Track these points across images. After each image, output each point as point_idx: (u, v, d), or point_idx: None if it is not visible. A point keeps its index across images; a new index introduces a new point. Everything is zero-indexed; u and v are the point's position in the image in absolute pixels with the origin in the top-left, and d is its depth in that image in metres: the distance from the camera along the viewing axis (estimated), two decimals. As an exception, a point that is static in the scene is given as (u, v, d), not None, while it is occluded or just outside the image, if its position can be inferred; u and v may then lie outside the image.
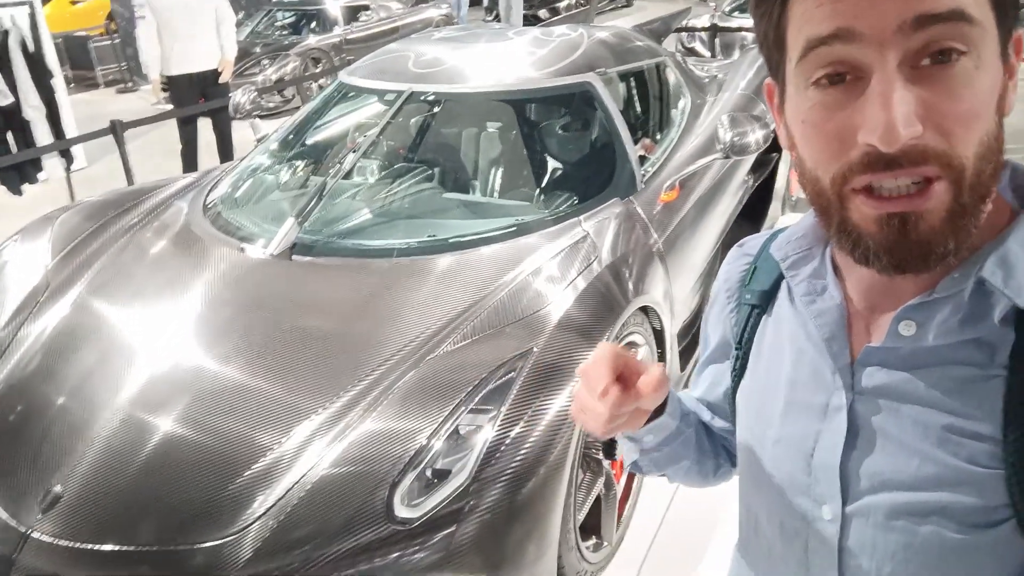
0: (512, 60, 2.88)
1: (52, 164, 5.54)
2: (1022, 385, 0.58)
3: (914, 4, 0.53)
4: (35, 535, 1.70)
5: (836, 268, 0.71)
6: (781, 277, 0.76)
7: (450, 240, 2.36)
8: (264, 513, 1.68)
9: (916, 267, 0.58)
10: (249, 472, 1.74)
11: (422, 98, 2.86)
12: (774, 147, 3.42)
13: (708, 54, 7.61)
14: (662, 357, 2.50)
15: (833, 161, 0.58)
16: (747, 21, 7.80)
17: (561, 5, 13.52)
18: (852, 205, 0.59)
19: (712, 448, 0.93)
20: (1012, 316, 0.59)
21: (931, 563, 0.63)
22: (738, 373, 0.82)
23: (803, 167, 0.63)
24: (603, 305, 2.11)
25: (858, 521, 0.66)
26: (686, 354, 2.79)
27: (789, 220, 3.54)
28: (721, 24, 7.74)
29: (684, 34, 8.13)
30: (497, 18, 11.08)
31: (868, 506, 0.65)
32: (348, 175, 2.73)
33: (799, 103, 0.60)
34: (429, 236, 2.40)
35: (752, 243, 0.85)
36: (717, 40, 7.63)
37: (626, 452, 0.93)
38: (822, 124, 0.58)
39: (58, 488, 1.77)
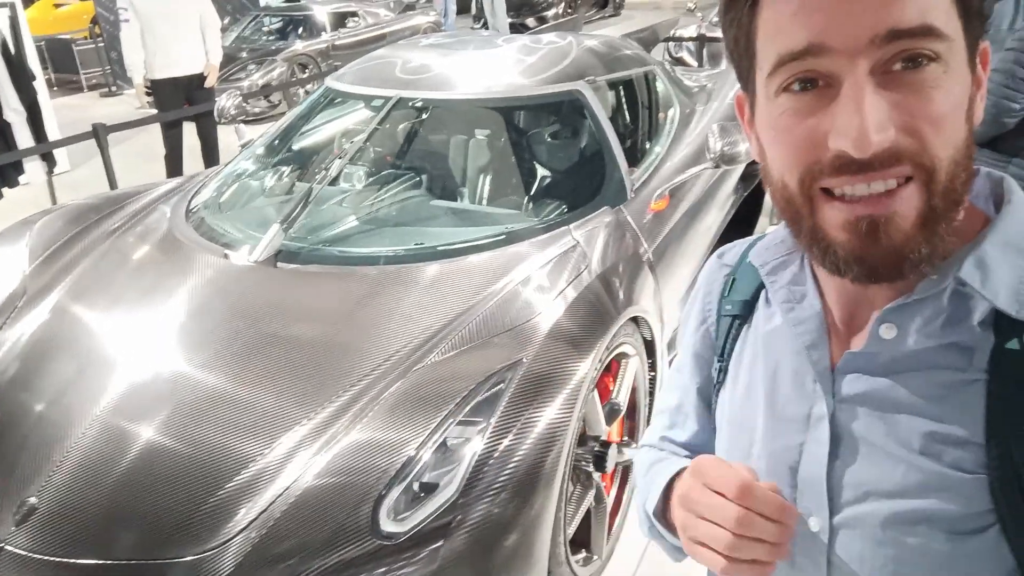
0: (501, 67, 2.86)
1: (34, 168, 5.46)
2: (1003, 389, 0.58)
3: (885, 20, 0.53)
4: (9, 548, 1.65)
5: (815, 275, 0.70)
6: (761, 286, 0.75)
7: (438, 248, 2.33)
8: (246, 526, 1.64)
9: (888, 276, 0.58)
10: (231, 484, 1.69)
11: (410, 104, 2.83)
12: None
13: (696, 63, 7.63)
14: (653, 367, 2.48)
15: (801, 164, 0.58)
16: (734, 31, 7.80)
17: (549, 14, 13.54)
18: (821, 210, 0.58)
19: None
20: (991, 319, 0.59)
21: (920, 572, 0.62)
22: (719, 385, 0.80)
23: (771, 177, 0.63)
24: (594, 315, 2.09)
25: (846, 532, 0.65)
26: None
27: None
28: (708, 34, 7.76)
29: (671, 43, 8.15)
30: (485, 26, 11.08)
31: (855, 516, 0.65)
32: (334, 181, 2.70)
33: (770, 111, 0.60)
34: (416, 244, 2.37)
35: (731, 253, 0.84)
36: (705, 50, 7.65)
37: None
38: (791, 129, 0.58)
39: (33, 500, 1.72)
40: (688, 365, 0.88)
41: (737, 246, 0.84)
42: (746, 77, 0.64)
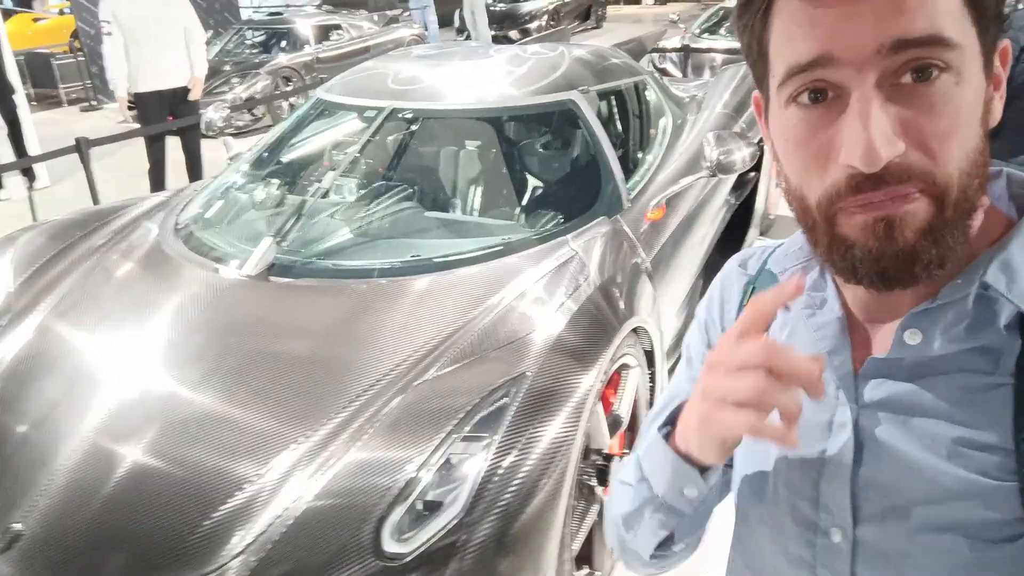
0: (494, 78, 2.84)
1: (14, 183, 5.37)
2: None
3: (892, 29, 0.52)
4: None
5: (836, 281, 0.69)
6: None
7: (434, 261, 2.29)
8: (243, 551, 1.58)
9: (901, 278, 0.57)
10: (226, 507, 1.64)
11: (402, 116, 2.80)
12: (754, 166, 3.43)
13: (680, 74, 7.69)
14: (653, 378, 2.45)
15: (818, 181, 0.58)
16: (716, 43, 7.94)
17: (532, 26, 13.61)
18: (839, 224, 0.58)
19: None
20: (1016, 322, 0.58)
21: None
22: None
23: (789, 183, 0.62)
24: (596, 327, 2.05)
25: (871, 543, 0.63)
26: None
27: (762, 243, 3.54)
28: (692, 45, 7.83)
29: (655, 55, 8.21)
30: (468, 38, 11.10)
31: (880, 525, 0.63)
32: (327, 194, 2.66)
33: (782, 120, 0.60)
34: (412, 256, 2.33)
35: (752, 261, 0.82)
36: (689, 61, 7.72)
37: (661, 521, 0.74)
38: (804, 143, 0.58)
39: (18, 526, 1.65)
40: (696, 366, 0.86)
41: (757, 254, 0.83)
42: (761, 81, 0.64)
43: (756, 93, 0.67)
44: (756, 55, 0.62)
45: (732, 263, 0.85)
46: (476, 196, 2.82)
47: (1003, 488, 0.57)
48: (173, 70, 5.16)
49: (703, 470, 0.69)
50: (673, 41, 8.16)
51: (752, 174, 3.74)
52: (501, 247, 2.33)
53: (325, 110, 3.04)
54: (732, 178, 3.35)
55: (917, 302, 0.61)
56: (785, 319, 0.73)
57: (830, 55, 0.54)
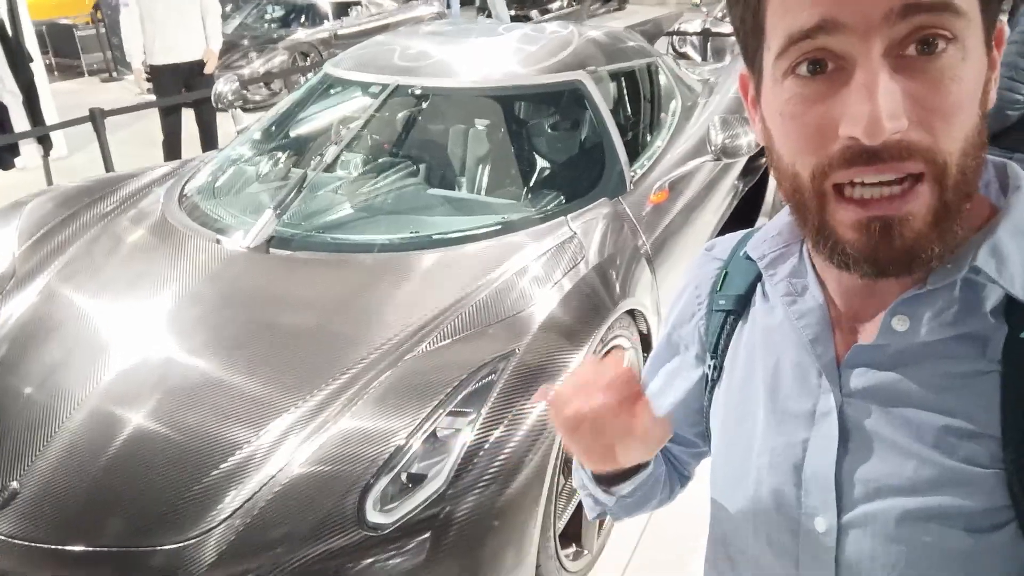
0: (501, 56, 2.83)
1: (29, 151, 5.41)
2: (1018, 380, 0.56)
3: None
4: None
5: (815, 267, 0.68)
6: (757, 280, 0.73)
7: (433, 236, 2.30)
8: (230, 514, 1.61)
9: (897, 272, 0.56)
10: (217, 471, 1.67)
11: (408, 92, 2.79)
12: (762, 151, 3.39)
13: (700, 58, 7.60)
14: (648, 361, 2.45)
15: (812, 154, 0.56)
16: (739, 27, 7.79)
17: (553, 6, 13.48)
18: (830, 208, 0.56)
19: (670, 477, 0.88)
20: (1003, 308, 0.57)
21: (933, 570, 0.59)
22: (714, 384, 0.78)
23: (780, 162, 0.60)
24: (589, 307, 2.06)
25: (855, 532, 0.63)
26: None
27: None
28: (713, 29, 7.73)
29: (676, 38, 8.12)
30: (489, 16, 11.03)
31: (865, 515, 0.62)
32: (330, 168, 2.67)
33: (777, 94, 0.58)
34: (412, 232, 2.34)
35: (721, 247, 0.81)
36: (709, 45, 7.62)
37: (591, 504, 0.85)
38: (801, 115, 0.55)
39: (15, 484, 1.69)
40: (663, 358, 0.86)
41: (727, 239, 0.81)
42: (752, 57, 0.61)
43: (743, 71, 0.65)
44: (750, 27, 0.59)
45: (701, 251, 0.84)
46: (479, 174, 2.82)
47: (989, 476, 0.56)
48: (188, 43, 5.18)
49: (617, 478, 0.76)
50: (694, 24, 8.06)
51: (762, 159, 3.70)
52: (500, 225, 2.33)
53: (332, 84, 3.05)
54: (741, 163, 3.32)
55: (903, 288, 0.60)
56: (769, 306, 0.71)
57: (835, 20, 0.52)
